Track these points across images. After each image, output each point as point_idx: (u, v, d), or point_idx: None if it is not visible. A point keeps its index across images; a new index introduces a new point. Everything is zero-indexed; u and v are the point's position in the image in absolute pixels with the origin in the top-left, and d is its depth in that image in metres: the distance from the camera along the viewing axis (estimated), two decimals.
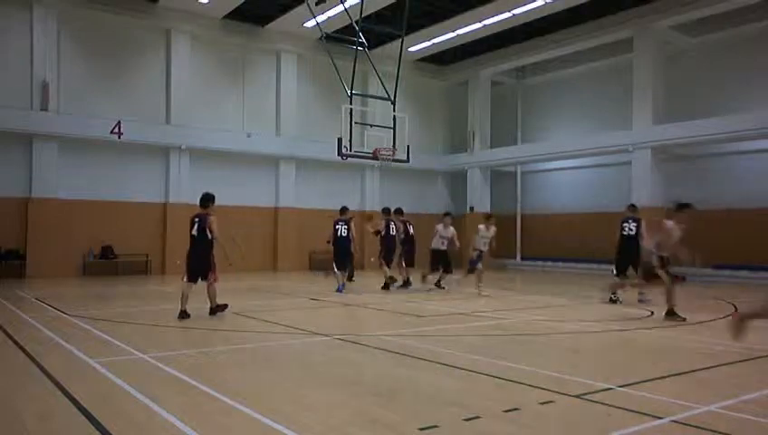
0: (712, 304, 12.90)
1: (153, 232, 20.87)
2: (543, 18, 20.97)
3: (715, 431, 4.37)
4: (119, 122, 19.62)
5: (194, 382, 5.62)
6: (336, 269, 14.62)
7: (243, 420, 4.61)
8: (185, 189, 21.16)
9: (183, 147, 21.11)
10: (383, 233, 15.71)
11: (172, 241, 20.80)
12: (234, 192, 21.95)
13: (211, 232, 10.03)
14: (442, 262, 15.15)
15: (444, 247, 15.09)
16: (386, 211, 16.40)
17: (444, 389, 5.59)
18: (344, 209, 15.33)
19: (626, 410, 4.87)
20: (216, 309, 10.29)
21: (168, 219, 20.98)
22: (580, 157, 23.85)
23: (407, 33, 18.78)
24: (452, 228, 15.39)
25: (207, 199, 10.31)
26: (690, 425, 4.50)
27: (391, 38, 21.44)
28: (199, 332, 8.79)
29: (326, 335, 8.39)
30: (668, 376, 6.09)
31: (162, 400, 5.02)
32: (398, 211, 16.06)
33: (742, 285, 18.04)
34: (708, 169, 20.70)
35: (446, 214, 16.22)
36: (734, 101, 19.81)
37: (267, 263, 23.05)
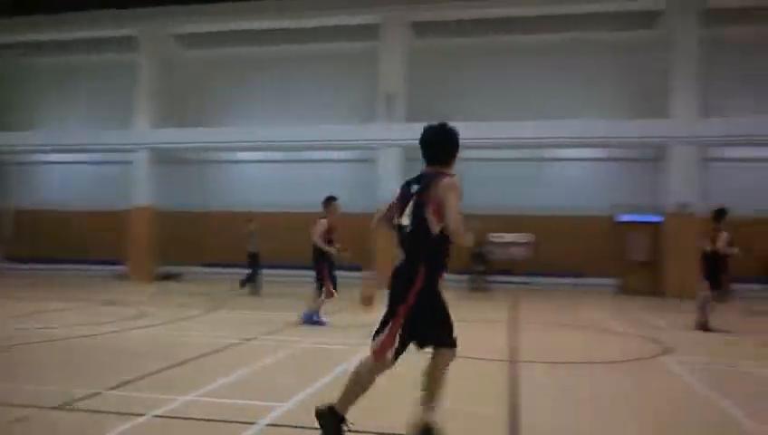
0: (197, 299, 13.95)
1: None
2: None
3: (190, 418, 4.75)
4: None
5: None
6: None
7: None
8: None
9: None
10: None
11: None
12: None
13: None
14: None
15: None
16: None
17: None
18: None
19: (109, 412, 4.84)
20: None
21: None
22: (84, 152, 22.66)
23: None
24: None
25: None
26: (170, 417, 4.77)
27: None
28: None
29: None
30: (156, 372, 6.31)
31: None
32: None
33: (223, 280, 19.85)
34: (205, 174, 22.34)
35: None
36: (221, 115, 21.87)
37: None
